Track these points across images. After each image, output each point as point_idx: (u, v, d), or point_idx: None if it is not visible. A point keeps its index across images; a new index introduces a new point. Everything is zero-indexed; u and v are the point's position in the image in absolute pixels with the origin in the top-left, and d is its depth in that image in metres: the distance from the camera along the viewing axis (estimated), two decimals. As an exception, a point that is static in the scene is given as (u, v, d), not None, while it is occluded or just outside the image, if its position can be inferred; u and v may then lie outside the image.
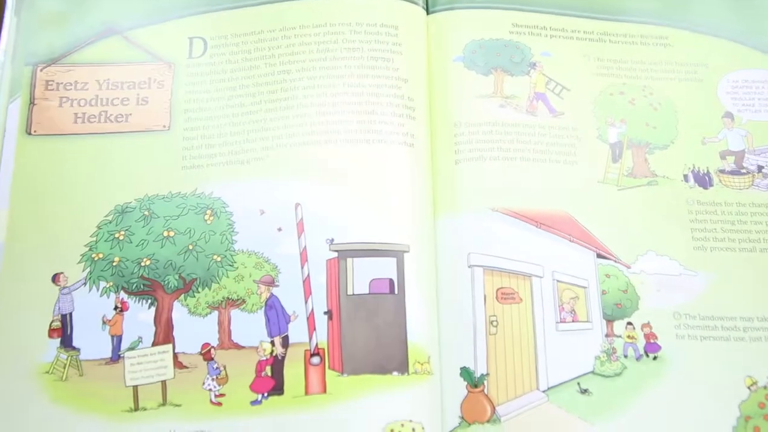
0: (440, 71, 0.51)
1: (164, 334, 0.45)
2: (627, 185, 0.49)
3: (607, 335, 0.45)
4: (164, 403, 0.43)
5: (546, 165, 0.48)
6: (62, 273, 0.46)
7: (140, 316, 0.45)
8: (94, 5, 0.52)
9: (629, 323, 0.45)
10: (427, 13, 0.53)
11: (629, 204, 0.48)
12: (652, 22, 0.54)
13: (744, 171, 0.50)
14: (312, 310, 0.44)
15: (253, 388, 0.43)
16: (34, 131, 0.49)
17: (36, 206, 0.47)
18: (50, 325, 0.45)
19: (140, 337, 0.45)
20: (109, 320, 0.45)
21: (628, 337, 0.45)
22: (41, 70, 0.50)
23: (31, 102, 0.49)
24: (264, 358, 0.44)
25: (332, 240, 0.45)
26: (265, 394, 0.43)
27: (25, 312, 0.45)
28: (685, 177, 0.49)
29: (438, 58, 0.51)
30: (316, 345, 0.44)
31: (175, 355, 0.44)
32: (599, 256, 0.47)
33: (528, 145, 0.49)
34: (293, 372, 0.43)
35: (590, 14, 0.54)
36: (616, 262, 0.47)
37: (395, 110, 0.48)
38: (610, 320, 0.45)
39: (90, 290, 0.45)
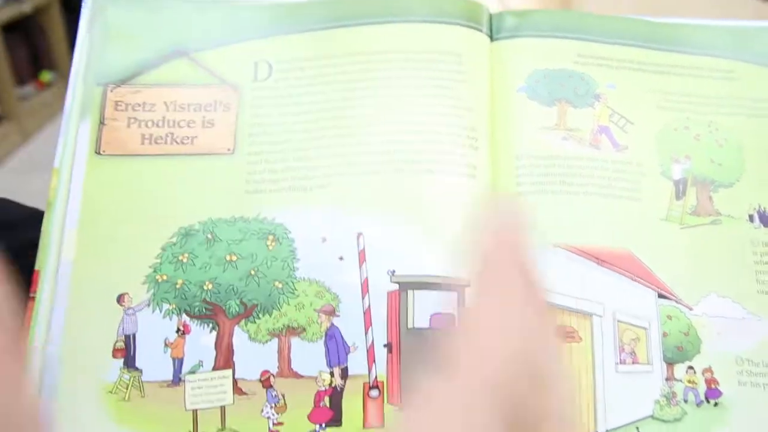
0: (503, 101, 0.51)
1: (224, 359, 0.45)
2: (690, 224, 0.48)
3: (667, 379, 0.45)
4: (223, 428, 0.44)
5: (608, 200, 0.48)
6: (127, 293, 0.46)
7: (202, 340, 0.46)
8: (163, 26, 0.53)
9: (690, 367, 0.45)
10: (491, 41, 0.53)
11: (692, 243, 0.47)
12: (719, 54, 0.53)
13: (811, 212, 0.49)
14: (372, 342, 0.45)
15: (311, 418, 0.44)
16: (103, 151, 0.50)
17: (103, 226, 0.48)
18: (114, 345, 0.46)
19: (201, 361, 0.45)
20: (172, 343, 0.46)
21: (689, 381, 0.44)
22: (111, 91, 0.51)
23: (101, 122, 0.50)
24: (323, 389, 0.44)
25: (393, 272, 0.45)
26: (323, 425, 0.43)
27: (91, 330, 0.46)
28: (750, 217, 0.48)
29: (501, 88, 0.51)
30: (375, 378, 0.44)
31: (234, 381, 0.45)
32: (660, 296, 0.46)
33: (591, 180, 0.48)
34: (352, 404, 0.44)
35: (655, 46, 0.53)
36: (677, 303, 0.46)
37: (458, 140, 0.48)
38: (670, 363, 0.45)
39: (153, 312, 0.46)
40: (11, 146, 3.19)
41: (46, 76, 3.58)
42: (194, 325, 0.46)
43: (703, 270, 0.47)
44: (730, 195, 0.49)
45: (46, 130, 3.40)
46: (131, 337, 0.46)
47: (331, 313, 0.45)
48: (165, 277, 0.47)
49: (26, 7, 3.19)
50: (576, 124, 0.50)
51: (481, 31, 0.52)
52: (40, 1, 3.36)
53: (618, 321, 0.46)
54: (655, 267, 0.47)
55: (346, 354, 0.45)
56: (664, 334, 0.46)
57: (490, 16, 0.53)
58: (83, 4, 0.54)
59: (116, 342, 0.46)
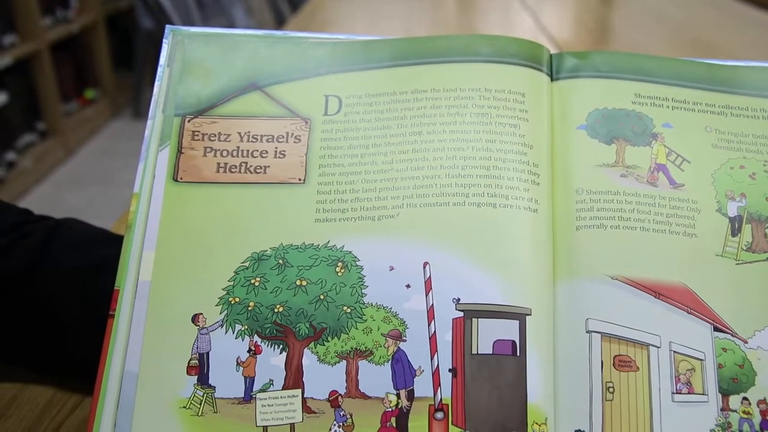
0: (563, 139, 0.53)
1: (294, 379, 0.48)
2: (745, 260, 0.50)
3: (722, 409, 0.46)
4: (293, 445, 0.46)
5: (665, 236, 0.50)
6: (201, 314, 0.49)
7: (272, 360, 0.48)
8: (238, 61, 0.56)
9: (745, 398, 0.46)
10: (552, 81, 0.55)
11: (747, 278, 0.49)
12: (773, 96, 0.55)
13: None
14: (437, 366, 0.47)
15: (379, 437, 0.46)
16: (181, 178, 0.52)
17: (180, 250, 0.50)
18: (189, 363, 0.48)
19: (271, 380, 0.48)
20: (243, 362, 0.48)
21: (744, 412, 0.46)
22: (188, 121, 0.54)
23: (179, 151, 0.53)
24: (389, 410, 0.46)
25: (458, 300, 0.47)
26: (390, 445, 0.45)
27: (167, 348, 0.48)
28: (805, 255, 0.50)
29: (561, 126, 0.53)
30: (440, 401, 0.46)
31: (303, 400, 0.47)
32: (716, 329, 0.48)
33: (648, 216, 0.50)
34: (417, 425, 0.46)
35: (711, 87, 0.55)
36: (733, 336, 0.48)
37: (521, 176, 0.50)
38: (725, 394, 0.47)
39: (226, 332, 0.49)
40: (55, 160, 3.26)
41: (89, 93, 3.66)
42: (265, 346, 0.48)
43: (758, 305, 0.48)
44: (785, 233, 0.51)
45: (88, 145, 3.48)
46: (205, 355, 0.48)
47: (398, 337, 0.47)
48: (237, 300, 0.49)
49: (74, 27, 3.27)
50: (634, 161, 0.52)
51: (542, 71, 0.54)
52: (86, 21, 3.44)
53: (674, 352, 0.48)
54: (710, 301, 0.48)
55: (413, 377, 0.47)
56: (720, 366, 0.47)
57: (551, 57, 0.56)
58: (164, 39, 0.57)
59: (191, 360, 0.48)
